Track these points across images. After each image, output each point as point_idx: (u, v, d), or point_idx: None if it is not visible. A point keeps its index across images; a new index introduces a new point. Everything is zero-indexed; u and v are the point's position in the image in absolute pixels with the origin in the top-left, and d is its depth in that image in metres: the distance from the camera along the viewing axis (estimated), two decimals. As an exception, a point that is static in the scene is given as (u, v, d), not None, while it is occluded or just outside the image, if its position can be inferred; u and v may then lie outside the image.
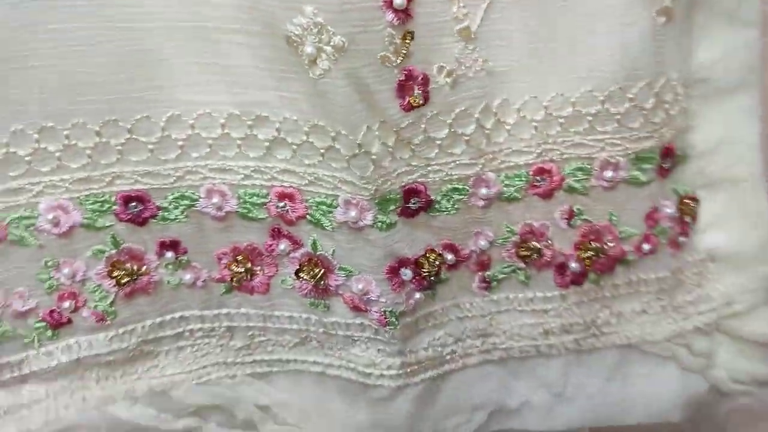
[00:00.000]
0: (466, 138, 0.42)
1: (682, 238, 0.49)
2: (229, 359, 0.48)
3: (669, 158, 0.46)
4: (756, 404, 0.74)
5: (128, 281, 0.44)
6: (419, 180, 0.43)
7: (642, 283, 0.49)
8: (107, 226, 0.42)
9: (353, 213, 0.42)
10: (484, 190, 0.44)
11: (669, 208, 0.47)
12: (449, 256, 0.46)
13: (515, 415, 0.51)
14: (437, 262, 0.45)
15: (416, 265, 0.44)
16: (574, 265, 0.47)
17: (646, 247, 0.47)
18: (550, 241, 0.46)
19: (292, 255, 0.44)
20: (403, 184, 0.42)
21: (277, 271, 0.45)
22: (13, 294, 0.43)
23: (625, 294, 0.49)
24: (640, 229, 0.47)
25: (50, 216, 0.41)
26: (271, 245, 0.44)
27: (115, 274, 0.44)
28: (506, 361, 0.50)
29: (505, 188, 0.44)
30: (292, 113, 0.40)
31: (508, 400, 0.50)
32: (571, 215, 0.46)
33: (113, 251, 0.43)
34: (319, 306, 0.46)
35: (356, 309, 0.45)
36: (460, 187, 0.44)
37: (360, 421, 0.48)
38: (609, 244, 0.46)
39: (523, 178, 0.44)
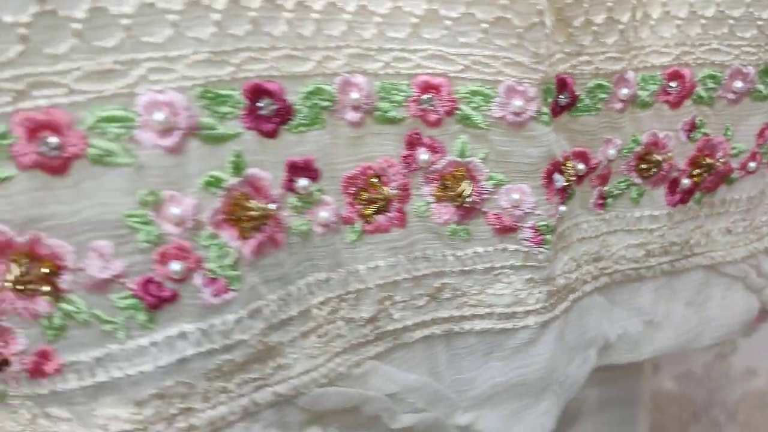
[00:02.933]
0: (621, 27, 0.38)
1: (775, 158, 0.49)
2: (354, 339, 0.36)
3: None
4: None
5: (255, 228, 0.30)
6: (568, 71, 0.38)
7: (733, 203, 0.49)
8: (232, 136, 0.29)
9: (518, 103, 0.34)
10: (624, 90, 0.40)
11: (775, 126, 0.47)
12: (580, 166, 0.41)
13: (612, 350, 0.48)
14: (572, 172, 0.40)
15: (560, 172, 0.39)
16: (685, 181, 0.45)
17: (751, 165, 0.47)
18: (670, 154, 0.44)
19: (432, 167, 0.36)
20: (556, 73, 0.37)
21: (410, 195, 0.37)
22: (89, 250, 0.27)
23: (716, 213, 0.49)
24: (749, 146, 0.46)
25: (157, 117, 0.26)
26: (408, 157, 0.35)
27: (238, 214, 0.30)
28: (609, 287, 0.47)
29: (640, 91, 0.41)
30: None
31: (610, 332, 0.47)
32: (692, 127, 0.44)
33: (234, 180, 0.29)
34: (460, 234, 0.38)
35: (503, 230, 0.38)
36: (605, 84, 0.40)
37: (496, 383, 0.41)
38: (720, 160, 0.45)
39: (658, 82, 0.42)
